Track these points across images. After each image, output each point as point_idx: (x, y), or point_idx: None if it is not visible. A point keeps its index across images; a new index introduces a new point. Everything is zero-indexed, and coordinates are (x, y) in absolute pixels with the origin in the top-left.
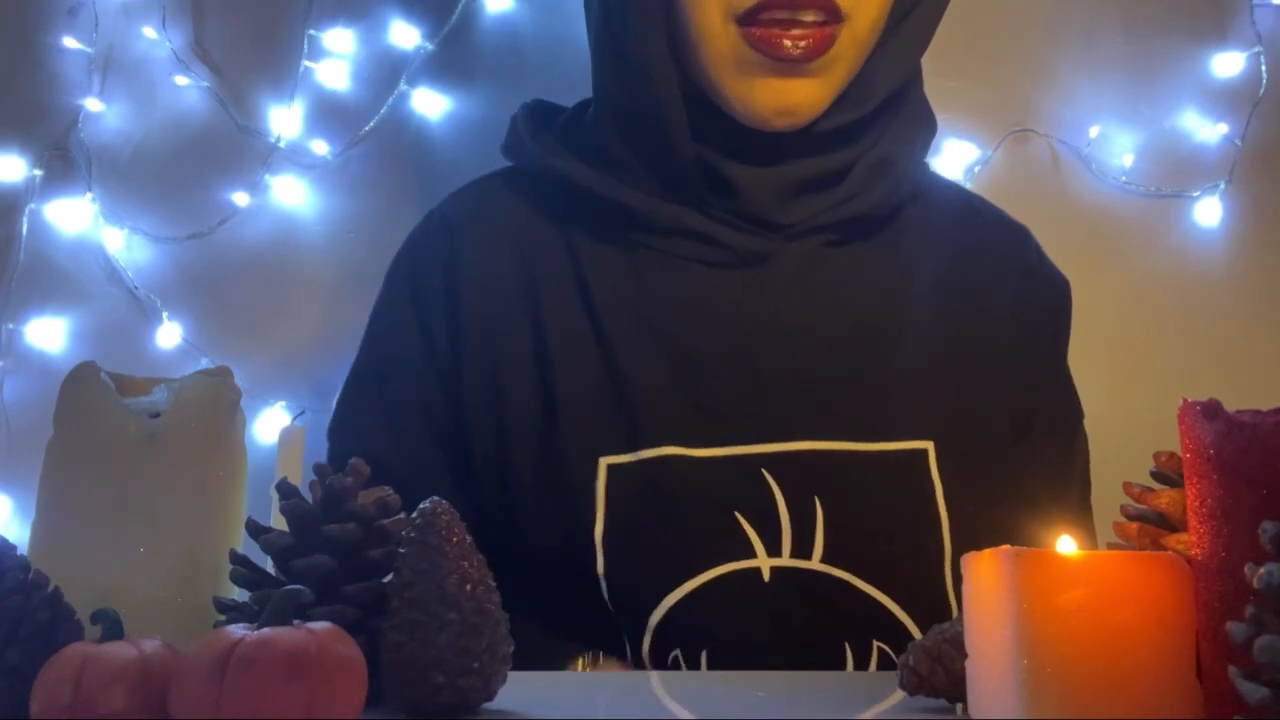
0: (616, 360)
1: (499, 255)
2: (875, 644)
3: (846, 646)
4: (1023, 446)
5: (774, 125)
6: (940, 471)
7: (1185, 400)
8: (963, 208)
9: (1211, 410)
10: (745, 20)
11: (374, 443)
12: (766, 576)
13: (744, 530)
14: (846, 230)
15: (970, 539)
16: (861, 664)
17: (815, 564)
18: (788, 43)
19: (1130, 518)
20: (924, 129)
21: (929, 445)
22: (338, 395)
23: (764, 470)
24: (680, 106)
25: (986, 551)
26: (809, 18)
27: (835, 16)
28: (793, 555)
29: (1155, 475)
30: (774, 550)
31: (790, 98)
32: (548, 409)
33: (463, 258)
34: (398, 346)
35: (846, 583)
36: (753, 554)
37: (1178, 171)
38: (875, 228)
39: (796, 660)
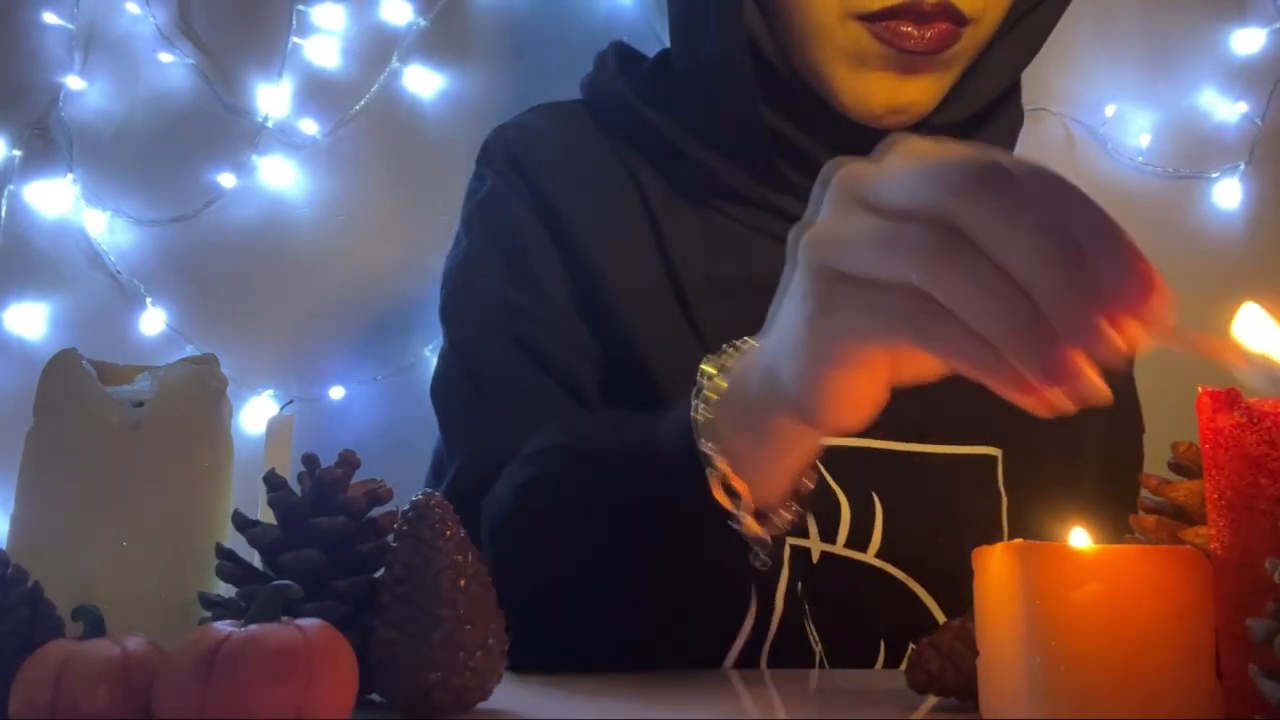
0: (691, 311)
1: (569, 155)
2: (911, 646)
3: (882, 644)
4: (1082, 461)
5: (883, 122)
6: (1006, 482)
7: (1204, 389)
8: None
9: (1231, 399)
10: (867, 17)
11: (504, 288)
12: (815, 558)
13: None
14: None
15: None
16: (893, 664)
17: (869, 557)
18: (914, 32)
19: (1147, 510)
20: (1019, 129)
21: (998, 453)
22: (443, 281)
23: (819, 464)
24: (758, 101)
25: (997, 545)
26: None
27: (962, 20)
28: (847, 544)
29: (1173, 466)
30: (828, 536)
31: (904, 95)
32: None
33: (532, 155)
34: (503, 216)
35: (896, 580)
36: (805, 534)
37: (1196, 152)
38: None
39: (828, 646)
